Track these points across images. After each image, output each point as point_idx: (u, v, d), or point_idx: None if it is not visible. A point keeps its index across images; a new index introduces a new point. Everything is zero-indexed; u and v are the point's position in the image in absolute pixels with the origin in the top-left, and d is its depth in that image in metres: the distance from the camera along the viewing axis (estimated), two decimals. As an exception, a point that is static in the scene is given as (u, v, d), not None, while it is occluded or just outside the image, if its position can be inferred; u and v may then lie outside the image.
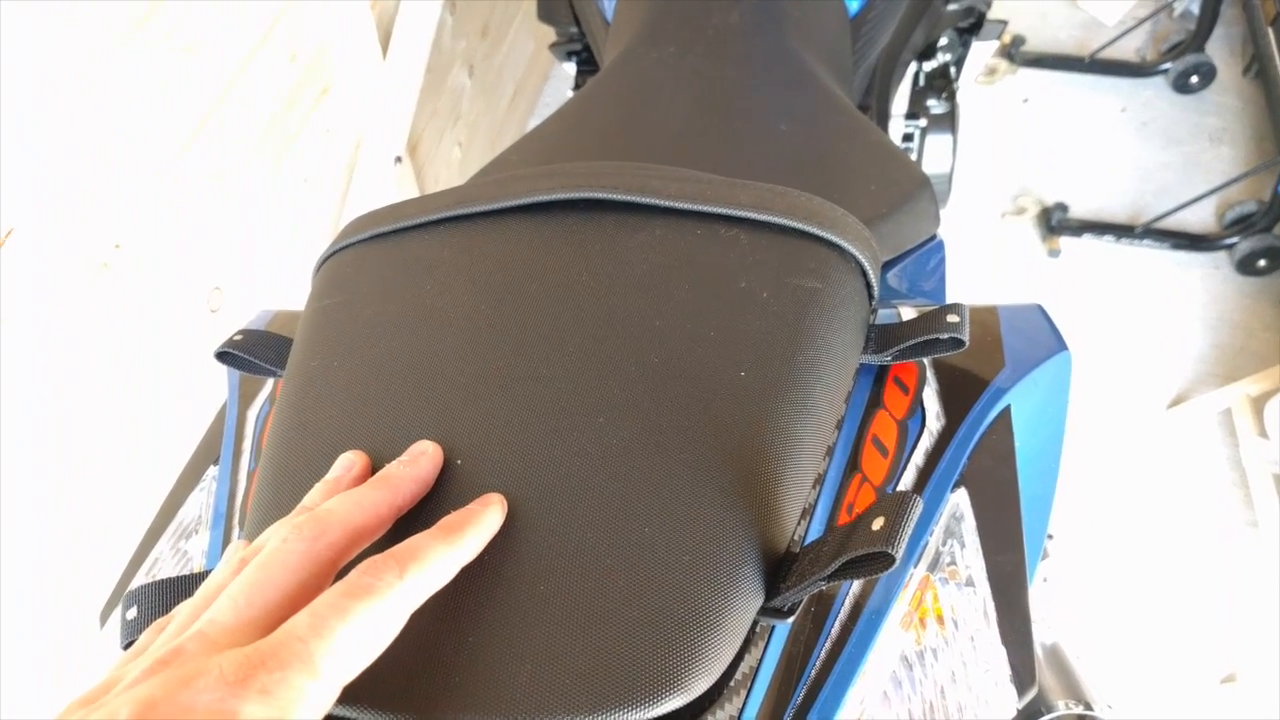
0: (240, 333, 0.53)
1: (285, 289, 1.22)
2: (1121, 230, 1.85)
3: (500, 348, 0.44)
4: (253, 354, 0.52)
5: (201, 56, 0.99)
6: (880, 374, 0.49)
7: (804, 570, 0.36)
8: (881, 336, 0.47)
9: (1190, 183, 1.92)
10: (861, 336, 0.47)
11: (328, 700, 0.28)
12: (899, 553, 0.31)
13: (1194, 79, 2.05)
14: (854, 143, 0.75)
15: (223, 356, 0.52)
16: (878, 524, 0.32)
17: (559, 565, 0.37)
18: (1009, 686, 0.38)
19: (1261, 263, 1.77)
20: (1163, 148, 2.00)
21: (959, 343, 0.45)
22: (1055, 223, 1.86)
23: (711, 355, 0.42)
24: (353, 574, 0.31)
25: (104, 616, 0.50)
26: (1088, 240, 1.87)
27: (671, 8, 0.90)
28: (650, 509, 0.38)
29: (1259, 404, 1.54)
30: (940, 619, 0.41)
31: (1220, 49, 2.10)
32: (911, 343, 0.46)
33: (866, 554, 0.32)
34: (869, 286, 0.48)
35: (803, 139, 0.75)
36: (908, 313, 0.51)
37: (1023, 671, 0.38)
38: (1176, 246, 1.83)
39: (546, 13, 1.28)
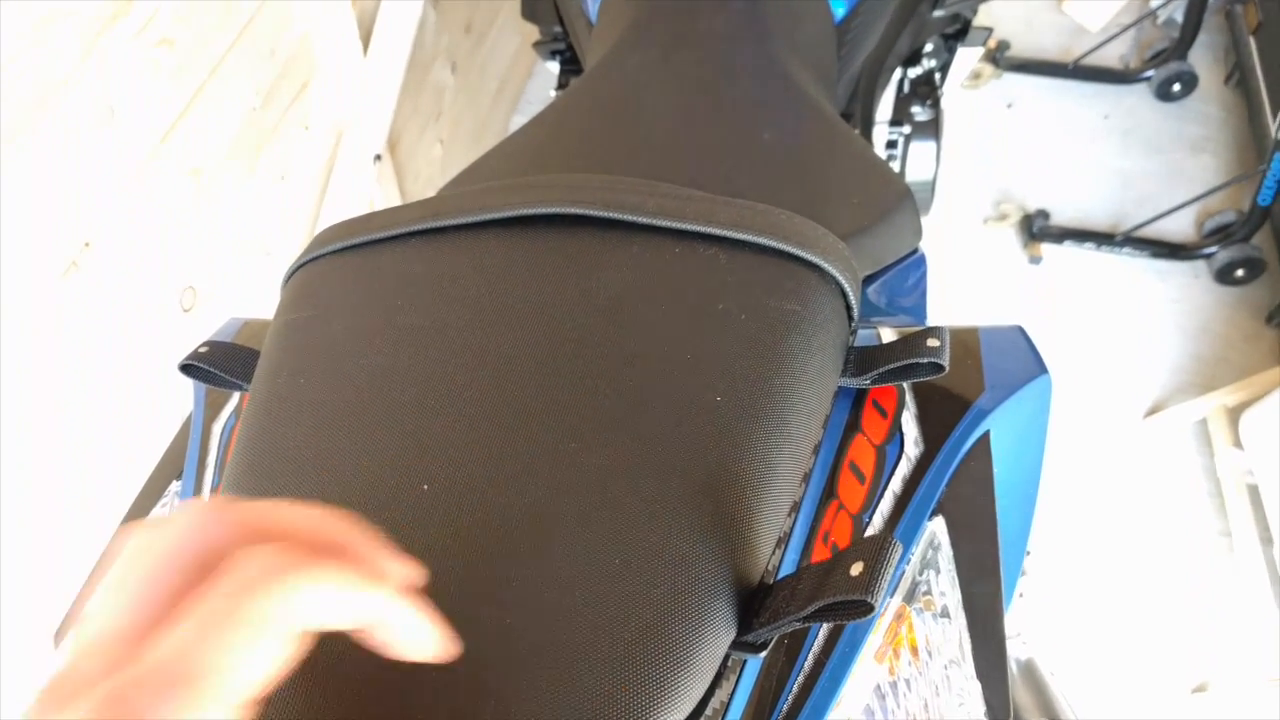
0: (206, 344, 0.52)
1: (260, 289, 1.20)
2: (1102, 238, 1.85)
3: (471, 369, 0.43)
4: (218, 367, 0.50)
5: (177, 50, 0.97)
6: (859, 397, 0.48)
7: (778, 608, 0.35)
8: (861, 359, 0.47)
9: (1171, 191, 1.93)
10: (840, 359, 0.46)
11: None
12: (878, 600, 0.30)
13: (1176, 87, 2.06)
14: (836, 154, 0.75)
15: (187, 369, 0.51)
16: (856, 569, 0.31)
17: (525, 599, 0.36)
18: (983, 722, 0.38)
19: (1240, 273, 1.78)
20: (1144, 155, 2.01)
21: (939, 368, 0.44)
22: (1037, 230, 1.87)
23: (687, 379, 0.41)
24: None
25: (59, 637, 0.49)
26: (1069, 247, 1.87)
27: (656, 11, 0.89)
28: (621, 540, 0.37)
29: (1235, 415, 1.55)
30: (915, 649, 0.40)
31: (1203, 57, 2.11)
32: (891, 367, 0.45)
33: (843, 601, 0.31)
34: (849, 308, 0.48)
35: (785, 149, 0.74)
36: (887, 334, 0.51)
37: (998, 706, 0.38)
38: (1156, 255, 1.84)
39: (530, 11, 1.27)
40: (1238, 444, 1.52)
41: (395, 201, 1.50)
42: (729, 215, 0.48)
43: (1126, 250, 1.84)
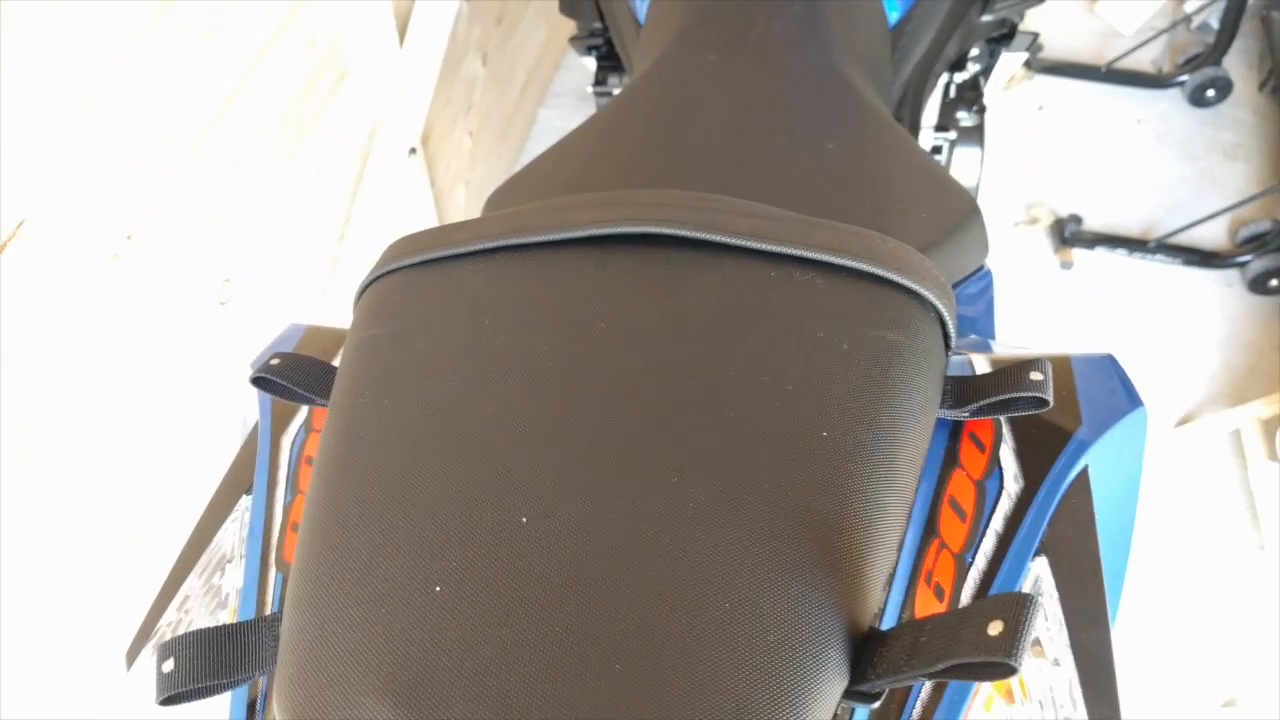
0: (277, 356, 0.50)
1: (294, 282, 1.19)
2: (1134, 244, 1.83)
3: (564, 395, 0.42)
4: (291, 380, 0.49)
5: (222, 42, 0.96)
6: (955, 429, 0.47)
7: (895, 659, 0.34)
8: (959, 391, 0.45)
9: (1204, 198, 1.91)
10: (939, 391, 0.45)
11: None
12: (1020, 663, 0.29)
13: (1210, 92, 2.04)
14: (902, 165, 0.73)
15: (258, 381, 0.50)
16: (995, 629, 0.29)
17: (634, 643, 0.34)
18: (1101, 780, 0.36)
19: (1273, 282, 1.76)
20: (1178, 161, 1.99)
21: (1043, 402, 0.43)
22: (1069, 235, 1.85)
23: (791, 412, 0.40)
24: None
25: (131, 656, 0.48)
26: (1100, 253, 1.85)
27: (710, 13, 0.87)
28: (731, 582, 0.36)
29: (1270, 427, 1.53)
30: (1026, 693, 0.39)
31: (1237, 63, 2.09)
32: (992, 400, 0.44)
33: (980, 662, 0.30)
34: (946, 337, 0.46)
35: (850, 159, 0.72)
36: (979, 362, 0.49)
37: (1116, 764, 0.36)
38: (1189, 263, 1.82)
39: (570, 7, 1.25)
40: (1273, 456, 1.50)
41: (427, 195, 1.48)
42: (824, 238, 0.46)
43: (1159, 257, 1.82)
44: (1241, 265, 1.79)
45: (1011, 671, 0.29)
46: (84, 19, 0.78)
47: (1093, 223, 1.89)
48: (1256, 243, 1.78)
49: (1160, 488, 1.58)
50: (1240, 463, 1.57)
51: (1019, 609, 0.30)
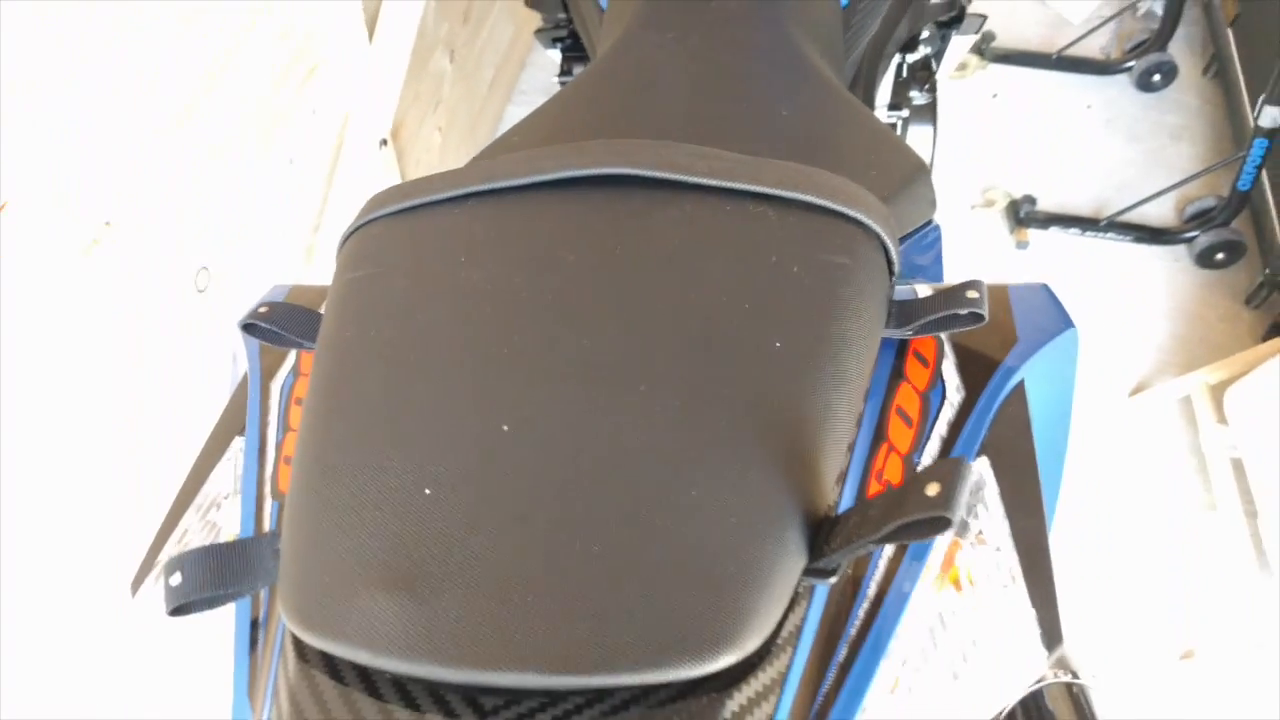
0: (265, 305, 0.53)
1: (271, 270, 1.21)
2: (1086, 223, 1.89)
3: (538, 319, 0.45)
4: (280, 325, 0.52)
5: (198, 31, 0.98)
6: (901, 348, 0.50)
7: (850, 533, 0.37)
8: (903, 312, 0.49)
9: (1152, 178, 1.98)
10: (884, 312, 0.49)
11: None
12: (956, 516, 0.32)
13: (1156, 77, 2.11)
14: (853, 128, 0.77)
15: (249, 328, 0.53)
16: (932, 489, 0.33)
17: (612, 529, 0.38)
18: (1038, 645, 0.40)
19: (1219, 256, 1.82)
20: (1126, 144, 2.05)
21: (979, 317, 0.47)
22: (1023, 215, 1.91)
23: (748, 327, 0.44)
24: None
25: (135, 585, 0.50)
26: (1054, 233, 1.91)
27: (670, -6, 0.91)
28: (697, 474, 0.39)
29: (1218, 392, 1.59)
30: (971, 581, 0.43)
31: (1182, 49, 2.16)
32: (933, 318, 0.48)
33: (922, 519, 0.33)
34: (890, 263, 0.50)
35: (803, 124, 0.76)
36: (924, 290, 0.53)
37: (1051, 630, 0.40)
38: (1139, 240, 1.88)
39: (534, -1, 1.28)
40: (1222, 420, 1.56)
41: (398, 187, 1.51)
42: (776, 175, 0.50)
43: (1110, 235, 1.88)
44: (1189, 240, 1.85)
45: (948, 524, 0.33)
46: (63, 11, 0.80)
47: (1046, 204, 1.95)
48: (1202, 218, 1.85)
49: (1117, 453, 1.64)
50: (1191, 427, 1.63)
51: (952, 471, 0.33)
